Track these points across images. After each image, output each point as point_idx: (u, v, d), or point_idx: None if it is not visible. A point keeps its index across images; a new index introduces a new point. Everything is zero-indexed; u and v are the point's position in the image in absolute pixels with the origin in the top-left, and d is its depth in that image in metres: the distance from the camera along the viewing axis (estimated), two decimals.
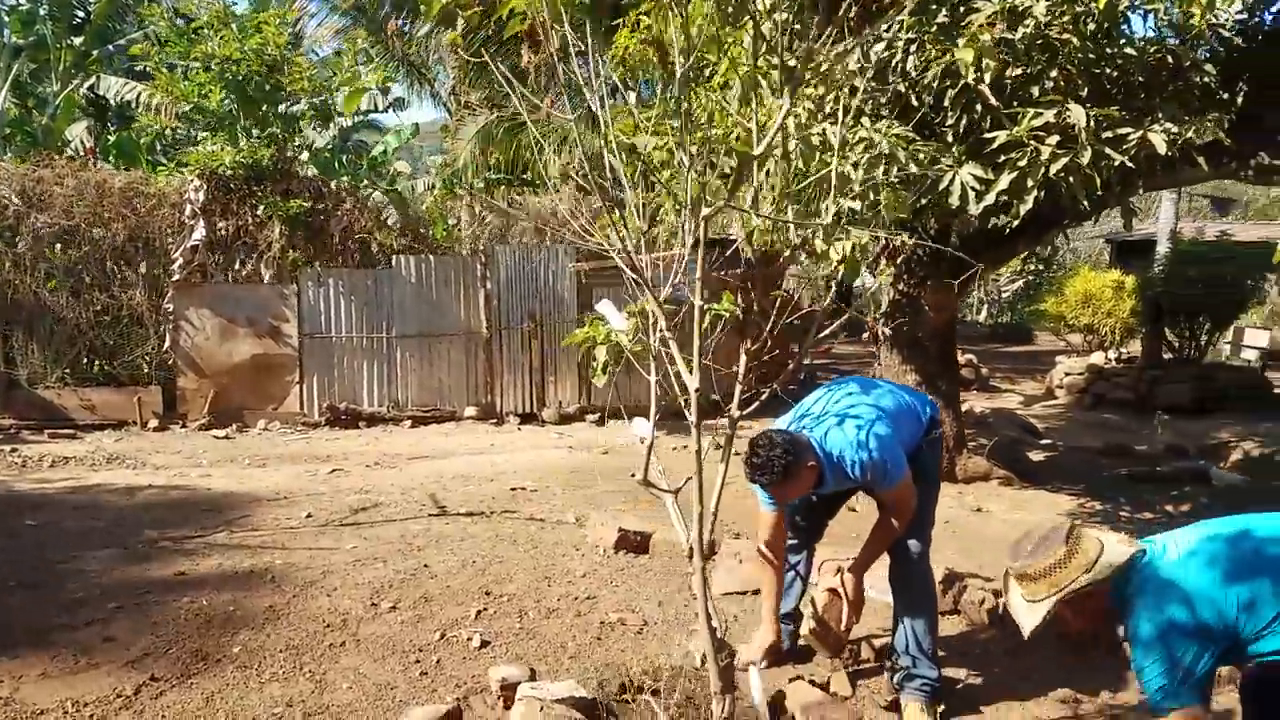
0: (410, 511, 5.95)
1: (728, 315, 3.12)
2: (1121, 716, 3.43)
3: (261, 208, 10.67)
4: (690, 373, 2.73)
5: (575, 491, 6.71)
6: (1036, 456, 8.92)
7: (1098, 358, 14.62)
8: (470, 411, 10.35)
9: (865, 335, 8.50)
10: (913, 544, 3.47)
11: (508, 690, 3.26)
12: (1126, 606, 2.41)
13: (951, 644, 3.97)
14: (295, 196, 10.71)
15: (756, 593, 4.52)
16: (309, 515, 5.68)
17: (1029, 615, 2.49)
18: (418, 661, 3.64)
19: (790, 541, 3.79)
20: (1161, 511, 7.14)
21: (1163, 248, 14.30)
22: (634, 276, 3.02)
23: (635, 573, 4.82)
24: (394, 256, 10.63)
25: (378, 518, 5.77)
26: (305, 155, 12.46)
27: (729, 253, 4.71)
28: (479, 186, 14.52)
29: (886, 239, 3.45)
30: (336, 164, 15.47)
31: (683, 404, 3.16)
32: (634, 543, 5.14)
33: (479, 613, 4.12)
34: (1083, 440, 10.41)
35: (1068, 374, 13.93)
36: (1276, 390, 13.67)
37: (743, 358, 2.90)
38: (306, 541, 5.11)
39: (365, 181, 14.02)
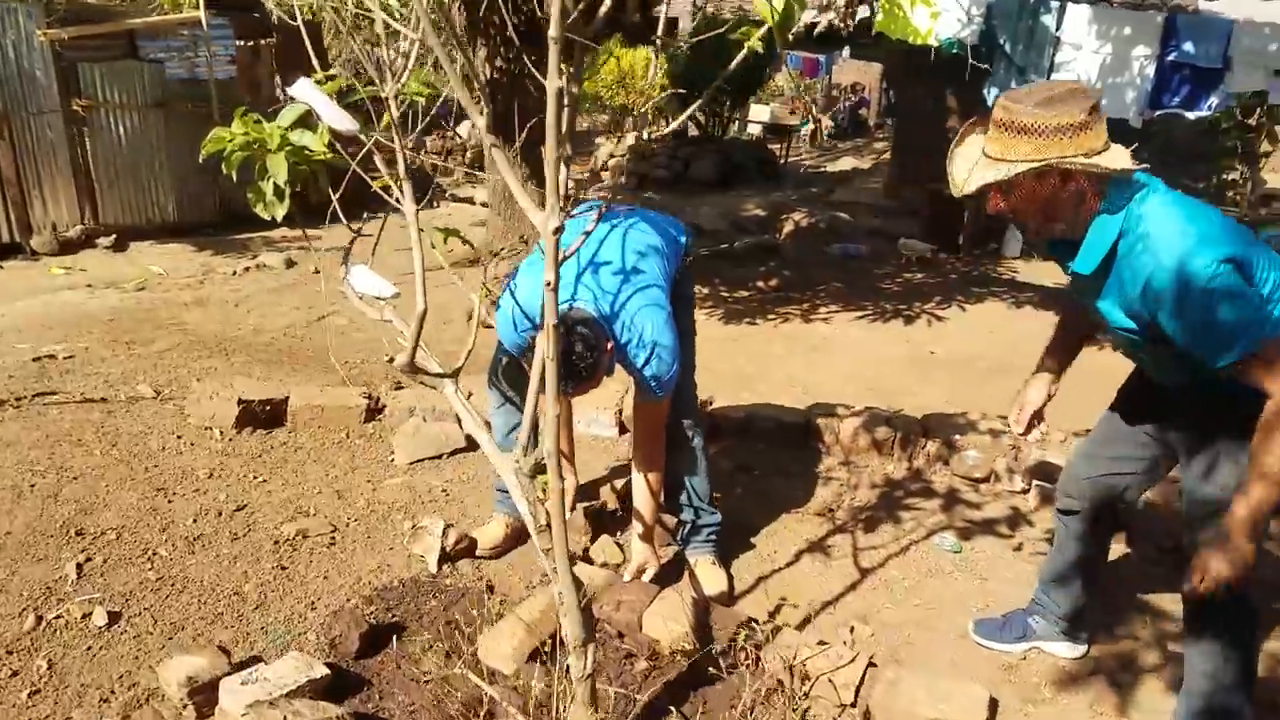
0: None
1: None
2: (874, 519, 3.36)
3: None
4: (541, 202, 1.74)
5: (129, 351, 5.09)
6: None
7: (633, 139, 15.08)
8: None
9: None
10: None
11: (200, 694, 2.18)
12: (1144, 254, 1.86)
13: None
14: None
15: (454, 453, 3.74)
16: None
17: (978, 171, 1.93)
18: (14, 673, 2.33)
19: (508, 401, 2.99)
20: (754, 287, 7.51)
21: (685, 24, 14.71)
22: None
23: (281, 456, 3.71)
24: None
25: None
26: None
27: None
28: None
29: None
30: None
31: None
32: (262, 415, 3.95)
33: (81, 566, 2.80)
34: None
35: (611, 156, 14.18)
36: (782, 162, 15.37)
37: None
38: None
39: None
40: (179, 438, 3.81)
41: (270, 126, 2.06)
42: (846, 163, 18.14)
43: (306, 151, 2.08)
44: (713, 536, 2.95)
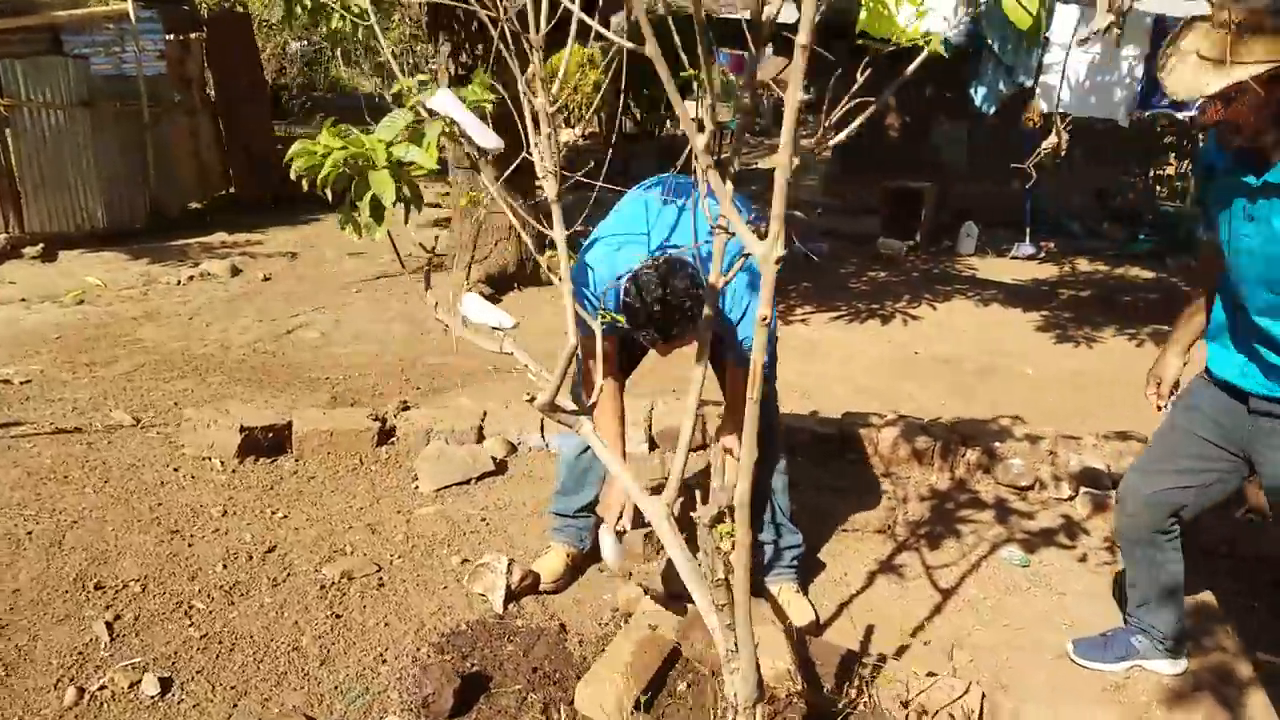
0: None
1: None
2: (935, 535, 3.29)
3: None
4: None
5: (90, 373, 4.70)
6: None
7: (567, 135, 14.87)
8: None
9: None
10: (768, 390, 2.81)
11: None
12: None
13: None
14: None
15: (483, 477, 3.55)
16: None
17: (1207, 76, 1.80)
18: None
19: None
20: None
21: (616, 19, 14.57)
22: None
23: (295, 488, 3.44)
24: None
25: None
26: None
27: None
28: None
29: None
30: None
31: None
32: (265, 442, 3.66)
33: (112, 626, 2.51)
34: None
35: None
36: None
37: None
38: None
39: None
40: (176, 470, 3.50)
41: (371, 140, 1.85)
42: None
43: (409, 168, 1.88)
44: (795, 562, 2.82)
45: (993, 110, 5.84)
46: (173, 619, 2.56)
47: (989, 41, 5.51)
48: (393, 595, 2.77)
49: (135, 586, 2.70)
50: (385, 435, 3.81)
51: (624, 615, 2.74)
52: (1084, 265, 8.83)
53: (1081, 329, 6.62)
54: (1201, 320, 2.43)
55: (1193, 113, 5.42)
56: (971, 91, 5.95)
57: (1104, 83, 5.49)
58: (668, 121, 15.60)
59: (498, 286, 6.83)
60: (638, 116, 14.46)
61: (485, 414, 3.92)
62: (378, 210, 1.89)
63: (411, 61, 16.69)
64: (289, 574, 2.83)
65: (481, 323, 1.98)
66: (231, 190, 9.74)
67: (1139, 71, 5.40)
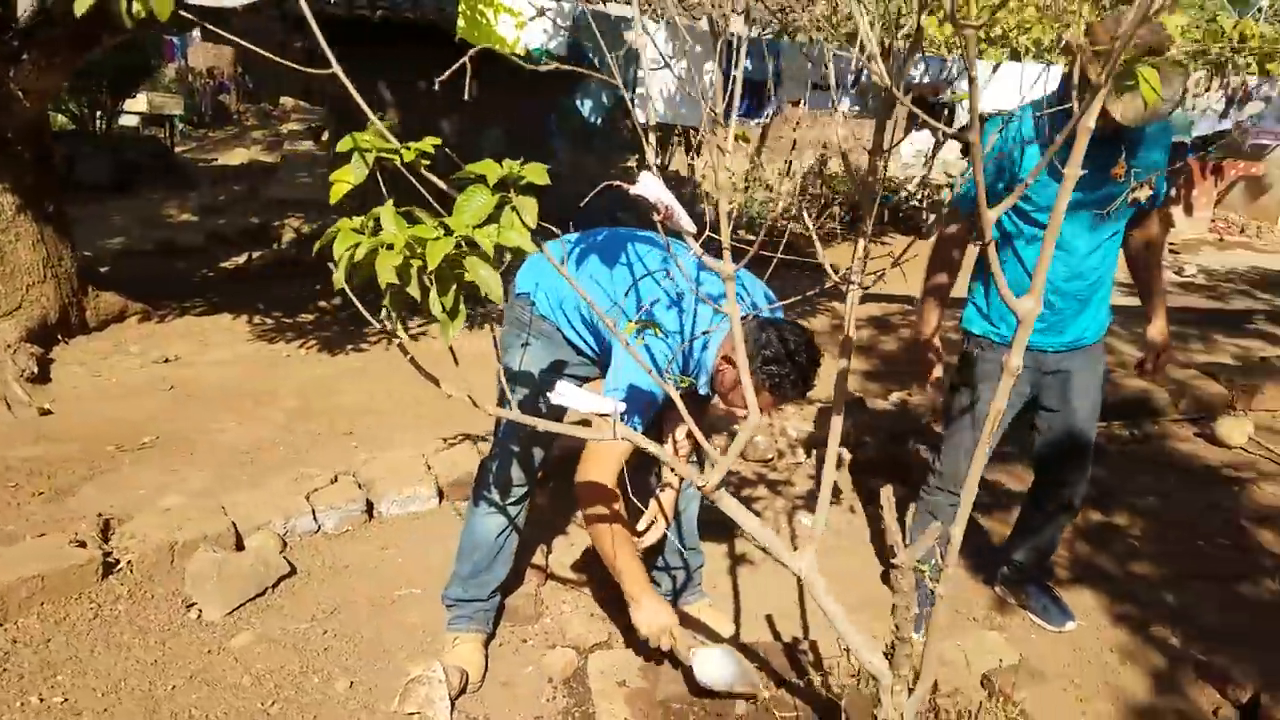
0: None
1: None
2: None
3: None
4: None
5: None
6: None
7: None
8: None
9: None
10: None
11: None
12: None
13: None
14: None
15: (280, 583, 3.02)
16: None
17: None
18: None
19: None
20: (318, 309, 6.83)
21: (26, 4, 12.18)
22: None
23: (37, 661, 2.54)
24: None
25: None
26: None
27: None
28: None
29: None
30: None
31: None
32: None
33: None
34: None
35: None
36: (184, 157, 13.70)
37: None
38: None
39: None
40: None
41: (458, 224, 1.56)
42: (239, 155, 16.79)
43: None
44: (701, 578, 2.93)
45: (599, 121, 6.22)
46: None
47: (589, 54, 5.84)
48: None
49: None
50: (108, 565, 2.98)
51: (564, 681, 2.62)
52: None
53: None
54: (942, 290, 2.80)
55: (764, 119, 6.40)
56: (579, 103, 6.24)
57: (690, 96, 6.18)
58: (119, 118, 13.47)
59: (44, 342, 5.47)
60: (76, 111, 12.29)
61: (225, 508, 3.27)
62: (457, 306, 1.61)
63: None
64: None
65: (589, 411, 1.74)
66: None
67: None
